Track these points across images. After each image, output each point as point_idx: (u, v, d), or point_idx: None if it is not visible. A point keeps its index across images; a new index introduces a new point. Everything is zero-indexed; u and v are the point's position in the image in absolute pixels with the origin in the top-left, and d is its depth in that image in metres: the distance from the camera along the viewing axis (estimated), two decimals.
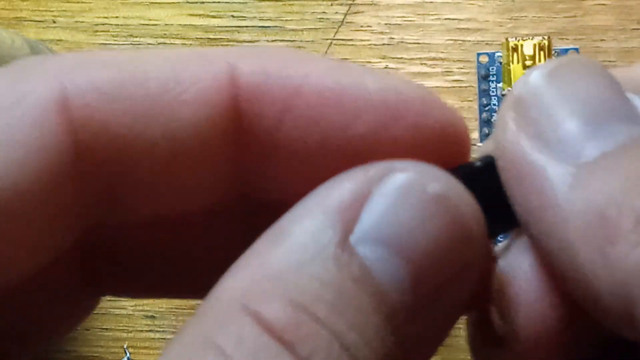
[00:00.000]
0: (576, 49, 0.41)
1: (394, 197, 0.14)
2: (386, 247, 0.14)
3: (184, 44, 0.44)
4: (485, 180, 0.15)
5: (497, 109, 0.41)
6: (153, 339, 0.42)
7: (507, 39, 0.40)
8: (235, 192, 0.16)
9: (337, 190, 0.14)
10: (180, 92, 0.15)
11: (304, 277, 0.13)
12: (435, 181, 0.14)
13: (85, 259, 0.16)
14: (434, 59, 0.43)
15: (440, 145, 0.15)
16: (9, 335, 0.16)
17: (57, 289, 0.17)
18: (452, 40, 0.43)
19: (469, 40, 0.43)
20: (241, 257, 0.14)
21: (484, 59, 0.41)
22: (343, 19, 0.43)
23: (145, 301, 0.42)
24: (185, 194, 0.16)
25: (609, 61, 0.42)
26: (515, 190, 0.15)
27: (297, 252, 0.13)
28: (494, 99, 0.41)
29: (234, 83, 0.15)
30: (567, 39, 0.42)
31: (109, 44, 0.44)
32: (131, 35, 0.44)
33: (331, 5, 0.44)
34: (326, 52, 0.43)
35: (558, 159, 0.14)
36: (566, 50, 0.41)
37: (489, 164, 0.15)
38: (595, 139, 0.14)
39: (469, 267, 0.14)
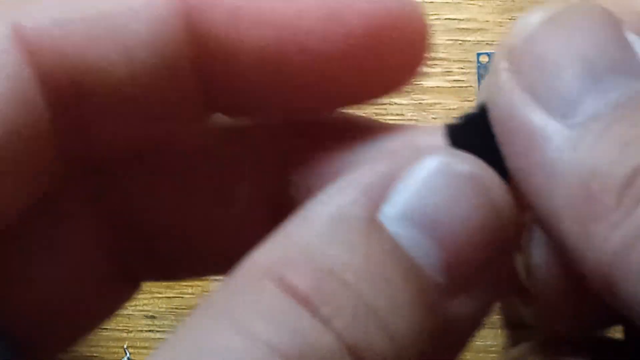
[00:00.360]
0: None
1: (425, 179, 0.14)
2: (417, 227, 0.13)
3: None
4: (482, 128, 0.15)
5: None
6: (153, 339, 0.42)
7: None
8: (205, 111, 0.16)
9: (366, 173, 0.14)
10: (131, 7, 0.15)
11: (331, 246, 0.13)
12: (466, 164, 0.14)
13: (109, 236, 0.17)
14: (434, 59, 0.43)
15: (397, 31, 0.15)
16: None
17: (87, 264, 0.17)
18: (452, 40, 0.43)
19: (469, 40, 0.43)
20: (269, 235, 0.14)
21: (484, 59, 0.41)
22: None
23: (145, 301, 0.42)
24: (155, 115, 0.16)
25: None
26: (506, 145, 0.14)
27: (325, 225, 0.13)
28: None
29: None
30: None
31: None
32: None
33: None
34: None
35: (550, 115, 0.13)
36: None
37: (484, 112, 0.15)
38: (591, 96, 0.13)
39: (503, 251, 0.14)
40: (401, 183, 0.14)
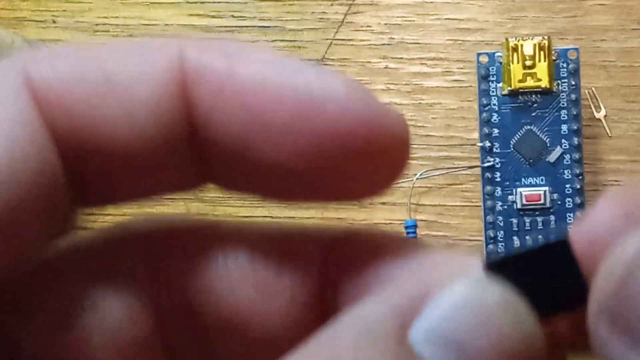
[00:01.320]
0: (576, 49, 0.41)
1: (453, 303, 0.14)
2: (443, 349, 0.14)
3: None
4: (528, 265, 0.15)
5: (497, 108, 0.41)
6: None
7: (507, 39, 0.40)
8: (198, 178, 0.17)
9: (396, 293, 0.14)
10: (139, 71, 0.15)
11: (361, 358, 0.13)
12: (496, 291, 0.14)
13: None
14: (434, 59, 0.43)
15: (370, 143, 0.15)
16: None
17: None
18: (452, 40, 0.43)
19: (469, 40, 0.43)
20: (298, 348, 0.14)
21: (484, 59, 0.41)
22: (343, 19, 0.43)
23: None
24: (152, 177, 0.16)
25: (609, 61, 0.42)
26: None
27: (353, 339, 0.14)
28: (494, 99, 0.41)
29: (181, 66, 0.15)
30: (567, 39, 0.42)
31: None
32: (131, 35, 0.44)
33: (331, 5, 0.44)
34: (326, 52, 0.43)
35: None
36: (566, 50, 0.41)
37: (547, 247, 0.15)
38: None
39: None
40: (429, 306, 0.14)
